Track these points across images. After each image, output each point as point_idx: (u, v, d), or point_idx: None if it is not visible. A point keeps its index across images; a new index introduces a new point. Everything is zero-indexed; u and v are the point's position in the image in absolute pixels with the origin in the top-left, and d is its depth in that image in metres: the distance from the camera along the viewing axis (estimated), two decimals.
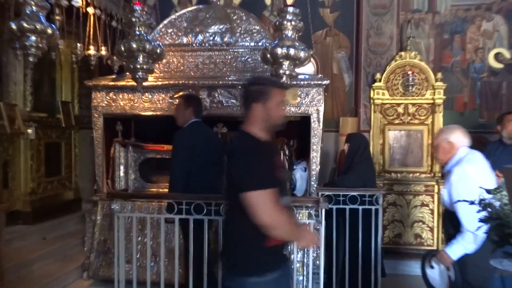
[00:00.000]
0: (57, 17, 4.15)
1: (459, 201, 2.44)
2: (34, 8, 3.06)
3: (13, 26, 3.01)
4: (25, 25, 3.00)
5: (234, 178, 2.11)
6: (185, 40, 4.83)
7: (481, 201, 1.58)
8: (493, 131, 5.60)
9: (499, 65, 5.82)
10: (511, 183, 1.36)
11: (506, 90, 5.77)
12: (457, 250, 2.75)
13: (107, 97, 4.72)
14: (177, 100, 4.00)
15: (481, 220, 1.54)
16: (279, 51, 3.07)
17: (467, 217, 2.69)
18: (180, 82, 4.60)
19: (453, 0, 5.87)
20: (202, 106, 4.02)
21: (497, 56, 5.82)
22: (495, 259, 1.18)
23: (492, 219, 1.50)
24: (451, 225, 2.89)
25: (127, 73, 4.63)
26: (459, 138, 3.02)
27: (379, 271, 3.97)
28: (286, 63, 3.10)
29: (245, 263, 2.15)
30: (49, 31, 3.15)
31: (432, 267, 2.88)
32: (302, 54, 3.06)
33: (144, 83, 3.65)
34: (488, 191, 1.62)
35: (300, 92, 4.46)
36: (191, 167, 3.65)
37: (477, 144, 5.71)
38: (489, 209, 1.57)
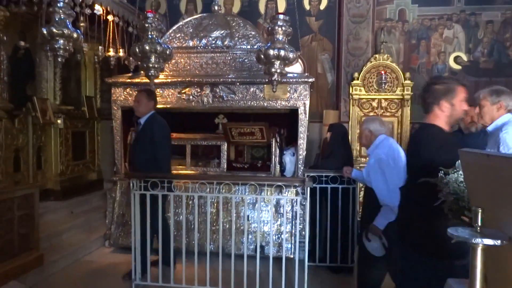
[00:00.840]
0: (82, 24, 4.09)
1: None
2: (62, 15, 3.03)
3: (44, 31, 2.99)
4: (54, 30, 2.97)
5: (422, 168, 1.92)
6: (191, 43, 4.79)
7: (441, 179, 1.59)
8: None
9: (458, 67, 5.82)
10: (465, 163, 1.37)
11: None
12: (381, 221, 2.81)
13: (125, 92, 4.68)
14: (143, 94, 3.88)
15: (441, 196, 1.55)
16: (271, 52, 3.05)
17: (383, 193, 2.78)
18: (187, 79, 4.57)
19: (420, 11, 5.84)
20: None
21: (456, 59, 5.81)
22: (452, 228, 1.19)
23: (450, 194, 1.52)
24: (372, 199, 2.93)
25: (141, 72, 4.60)
26: (377, 127, 3.09)
27: (355, 240, 4.01)
28: (277, 63, 3.08)
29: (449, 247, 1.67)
30: (75, 35, 3.13)
31: (369, 240, 2.90)
32: (291, 55, 3.04)
33: (156, 80, 3.63)
34: (447, 172, 1.63)
35: (289, 88, 4.44)
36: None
37: None
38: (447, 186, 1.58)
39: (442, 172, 1.62)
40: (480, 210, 1.19)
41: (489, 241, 1.13)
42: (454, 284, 1.48)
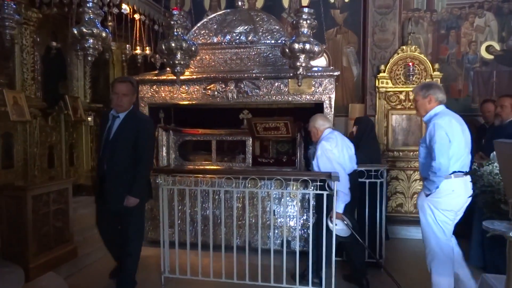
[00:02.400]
0: (109, 23, 4.18)
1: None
2: (91, 15, 3.10)
3: (75, 31, 3.07)
4: (84, 30, 3.04)
5: None
6: (215, 39, 4.81)
7: (474, 172, 1.54)
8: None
9: (490, 56, 5.59)
10: (501, 155, 1.32)
11: (496, 78, 5.56)
12: (339, 205, 3.21)
13: (151, 89, 4.76)
14: (131, 85, 3.40)
15: (477, 189, 1.50)
16: (296, 46, 3.02)
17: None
18: (212, 75, 4.60)
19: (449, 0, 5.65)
20: None
21: (489, 49, 5.59)
22: (488, 220, 1.16)
23: (484, 186, 1.47)
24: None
25: (167, 69, 4.67)
26: (320, 123, 3.52)
27: (383, 235, 3.95)
28: (302, 57, 3.05)
29: None
30: (104, 34, 3.20)
31: (336, 224, 3.23)
32: (316, 48, 3.00)
33: (181, 77, 3.66)
34: (481, 164, 1.57)
35: (314, 82, 4.40)
36: None
37: (471, 126, 5.59)
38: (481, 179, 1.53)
39: (476, 164, 1.57)
40: None
41: None
42: (491, 279, 1.43)
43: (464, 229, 4.40)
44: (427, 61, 5.28)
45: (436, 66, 5.24)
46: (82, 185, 5.32)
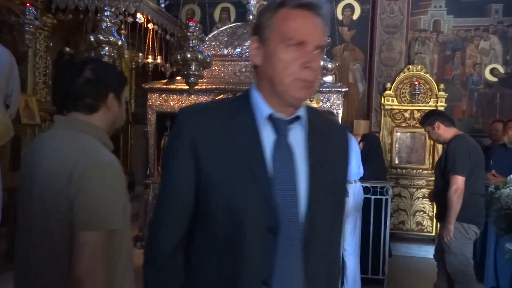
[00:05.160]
0: (122, 31, 4.23)
1: None
2: (108, 23, 3.16)
3: (92, 39, 3.12)
4: (101, 37, 3.10)
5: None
6: (225, 51, 4.87)
7: (491, 194, 1.57)
8: (487, 136, 5.50)
9: (494, 79, 5.68)
10: None
11: (500, 100, 5.63)
12: None
13: (160, 97, 4.80)
14: None
15: (493, 211, 1.53)
16: None
17: None
18: (221, 86, 4.65)
19: (455, 22, 5.74)
20: None
21: (493, 71, 5.68)
22: (510, 243, 1.18)
23: (502, 209, 1.50)
24: None
25: (177, 78, 4.72)
26: None
27: (386, 252, 3.96)
28: None
29: None
30: (119, 43, 3.25)
31: None
32: (329, 65, 3.07)
33: None
34: (498, 187, 1.61)
35: (322, 98, 4.46)
36: None
37: None
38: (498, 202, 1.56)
39: (493, 186, 1.61)
40: None
41: None
42: None
43: (476, 250, 4.44)
44: (433, 81, 5.36)
45: (441, 86, 5.31)
46: None
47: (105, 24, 3.20)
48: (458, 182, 2.79)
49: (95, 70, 1.28)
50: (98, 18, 3.21)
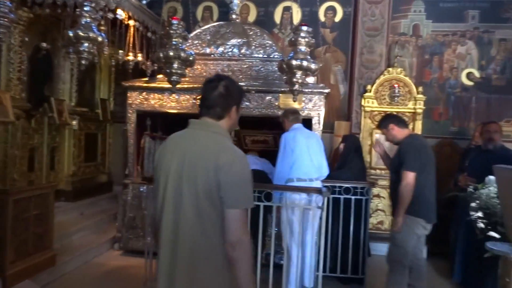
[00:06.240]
0: (102, 28, 4.14)
1: None
2: (88, 19, 3.08)
3: (71, 34, 3.04)
4: (80, 33, 3.03)
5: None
6: (208, 50, 4.85)
7: (470, 194, 1.62)
8: (462, 138, 5.67)
9: (470, 83, 5.85)
10: (501, 179, 1.39)
11: (475, 104, 5.81)
12: None
13: (140, 96, 4.73)
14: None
15: (473, 210, 1.57)
16: (294, 62, 3.10)
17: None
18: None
19: (434, 26, 5.89)
20: None
21: (469, 75, 5.85)
22: (491, 242, 1.22)
23: (482, 209, 1.54)
24: None
25: (158, 76, 4.66)
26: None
27: (366, 252, 4.02)
28: (299, 73, 3.13)
29: None
30: (100, 39, 3.19)
31: None
32: (313, 66, 3.09)
33: None
34: (477, 187, 1.65)
35: (304, 98, 4.49)
36: None
37: (449, 148, 5.81)
38: (477, 201, 1.60)
39: (472, 187, 1.65)
40: None
41: None
42: None
43: (442, 247, 4.58)
44: (412, 84, 5.46)
45: (420, 89, 5.43)
46: (62, 191, 5.18)
47: (84, 20, 3.13)
48: (409, 177, 2.99)
49: (227, 86, 1.64)
50: (77, 13, 3.14)
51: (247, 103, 4.57)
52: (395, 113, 4.87)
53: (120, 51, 4.44)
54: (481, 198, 1.53)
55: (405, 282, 3.14)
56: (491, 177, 1.53)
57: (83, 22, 3.08)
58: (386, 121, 3.39)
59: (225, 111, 1.65)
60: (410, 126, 5.49)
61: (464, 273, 3.71)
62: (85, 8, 3.17)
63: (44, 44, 4.53)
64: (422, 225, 3.07)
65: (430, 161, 3.14)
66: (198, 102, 4.62)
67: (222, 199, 1.52)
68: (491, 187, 1.57)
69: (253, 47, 4.80)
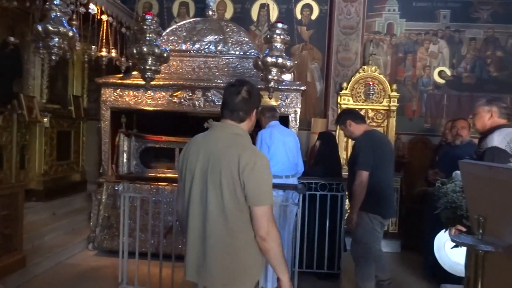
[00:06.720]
0: (74, 22, 4.03)
1: None
2: (58, 13, 3.00)
3: (39, 28, 2.95)
4: (50, 28, 2.95)
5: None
6: (184, 47, 4.80)
7: (438, 189, 1.67)
8: (435, 134, 5.83)
9: (442, 81, 6.01)
10: (466, 174, 1.44)
11: (447, 101, 5.98)
12: None
13: (115, 93, 4.64)
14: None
15: (440, 205, 1.62)
16: (269, 59, 3.10)
17: None
18: (179, 82, 4.57)
19: (407, 25, 6.01)
20: None
21: (441, 73, 6.00)
22: (455, 235, 1.26)
23: (448, 203, 1.59)
24: None
25: (133, 73, 4.58)
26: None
27: (342, 247, 4.08)
28: (274, 70, 3.14)
29: None
30: (70, 34, 3.11)
31: None
32: (288, 63, 3.10)
33: None
34: (444, 182, 1.70)
35: (281, 96, 4.51)
36: None
37: (423, 144, 5.97)
38: (444, 196, 1.65)
39: (440, 182, 1.70)
40: (482, 219, 1.26)
41: (492, 248, 1.19)
42: None
43: (415, 241, 4.70)
44: (386, 81, 5.58)
45: (394, 87, 5.54)
46: (33, 190, 5.02)
47: (54, 14, 3.04)
48: (362, 176, 3.08)
49: (249, 91, 1.76)
50: (46, 7, 3.04)
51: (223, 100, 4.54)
52: (351, 108, 4.97)
53: (93, 46, 4.33)
54: (447, 193, 1.58)
55: (372, 275, 3.23)
56: (457, 172, 1.58)
57: (53, 16, 3.00)
58: (343, 117, 3.41)
59: (247, 115, 1.77)
60: (385, 123, 5.62)
61: (434, 265, 3.82)
62: (55, 2, 3.08)
63: (12, 39, 4.36)
64: (380, 221, 3.19)
65: (386, 157, 3.22)
66: (174, 99, 4.61)
67: (247, 197, 1.63)
68: (457, 181, 1.62)
69: (229, 44, 4.78)
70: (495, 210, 1.31)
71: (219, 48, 4.75)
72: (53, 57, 3.08)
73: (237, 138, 1.71)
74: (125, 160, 4.83)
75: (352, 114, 3.44)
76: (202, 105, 4.54)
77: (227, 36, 4.80)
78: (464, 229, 1.51)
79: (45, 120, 4.98)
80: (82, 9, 3.78)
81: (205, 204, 1.68)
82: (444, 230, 1.72)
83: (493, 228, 1.30)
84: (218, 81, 4.57)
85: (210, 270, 1.67)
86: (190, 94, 4.56)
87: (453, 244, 1.42)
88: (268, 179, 1.68)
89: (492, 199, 1.32)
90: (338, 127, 4.95)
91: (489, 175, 1.31)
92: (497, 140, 2.26)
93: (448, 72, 5.98)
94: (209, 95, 4.57)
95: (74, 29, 3.19)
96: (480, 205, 1.39)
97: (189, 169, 1.73)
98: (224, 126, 1.76)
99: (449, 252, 1.81)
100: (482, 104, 2.52)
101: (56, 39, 3.05)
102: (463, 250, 1.50)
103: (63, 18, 3.07)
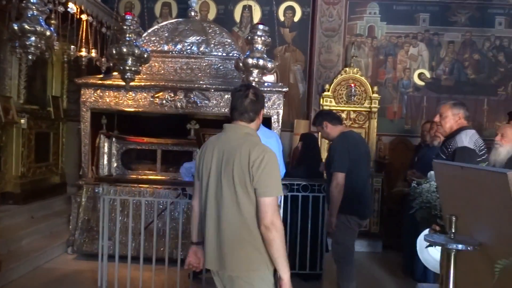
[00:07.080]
0: (52, 21, 3.96)
1: None
2: (35, 12, 2.94)
3: (15, 27, 2.89)
4: (26, 26, 2.88)
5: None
6: (166, 47, 4.76)
7: (414, 189, 1.70)
8: (415, 135, 5.93)
9: (421, 83, 6.13)
10: (440, 174, 1.47)
11: (427, 103, 6.10)
12: None
13: (95, 94, 4.57)
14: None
15: (415, 205, 1.65)
16: (250, 61, 3.11)
17: None
18: (161, 83, 4.53)
19: (388, 28, 6.12)
20: None
21: (420, 76, 6.12)
22: (428, 234, 1.28)
23: (423, 203, 1.62)
24: None
25: (114, 73, 4.52)
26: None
27: (324, 248, 4.10)
28: (255, 72, 3.14)
29: None
30: (48, 33, 3.05)
31: None
32: (269, 64, 3.11)
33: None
34: (420, 182, 1.73)
35: None
36: None
37: (403, 145, 6.07)
38: (419, 196, 1.68)
39: (415, 182, 1.73)
40: (454, 218, 1.28)
41: (463, 247, 1.22)
42: None
43: (395, 240, 4.77)
44: (368, 83, 5.65)
45: (375, 88, 5.61)
46: (9, 193, 4.89)
47: (31, 12, 2.97)
48: (338, 178, 3.10)
49: (256, 93, 1.94)
50: (23, 5, 2.97)
51: (206, 102, 4.54)
52: (328, 109, 5.01)
53: (72, 46, 4.26)
54: (422, 193, 1.61)
55: (353, 275, 3.26)
56: (432, 172, 1.62)
57: (29, 15, 2.93)
58: (320, 118, 3.41)
59: (256, 114, 1.95)
60: (366, 124, 5.69)
61: (412, 264, 3.89)
62: (32, 0, 3.02)
63: None
64: (357, 221, 3.22)
65: (362, 158, 3.25)
66: (156, 100, 4.56)
67: (256, 190, 1.76)
68: (432, 181, 1.66)
69: (212, 45, 4.76)
70: (467, 209, 1.34)
71: (201, 49, 4.73)
72: (30, 57, 3.01)
73: (248, 137, 1.88)
74: (105, 162, 4.77)
75: (328, 115, 3.45)
76: (184, 106, 4.51)
77: (210, 37, 4.78)
78: (438, 228, 1.54)
79: (22, 121, 4.86)
80: (61, 8, 3.72)
81: (220, 198, 1.82)
82: (427, 230, 1.75)
83: (465, 227, 1.33)
84: (201, 82, 4.55)
85: (229, 260, 1.81)
86: (172, 95, 4.52)
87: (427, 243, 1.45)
88: (276, 172, 1.81)
89: (464, 199, 1.35)
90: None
91: (462, 175, 1.34)
92: (465, 140, 2.42)
93: (428, 74, 6.10)
94: (192, 96, 4.53)
95: (52, 28, 3.13)
96: (453, 205, 1.42)
97: (205, 167, 1.90)
98: (236, 127, 1.93)
99: (432, 252, 1.84)
100: (451, 107, 2.63)
101: (33, 38, 2.99)
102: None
103: (40, 17, 3.00)
